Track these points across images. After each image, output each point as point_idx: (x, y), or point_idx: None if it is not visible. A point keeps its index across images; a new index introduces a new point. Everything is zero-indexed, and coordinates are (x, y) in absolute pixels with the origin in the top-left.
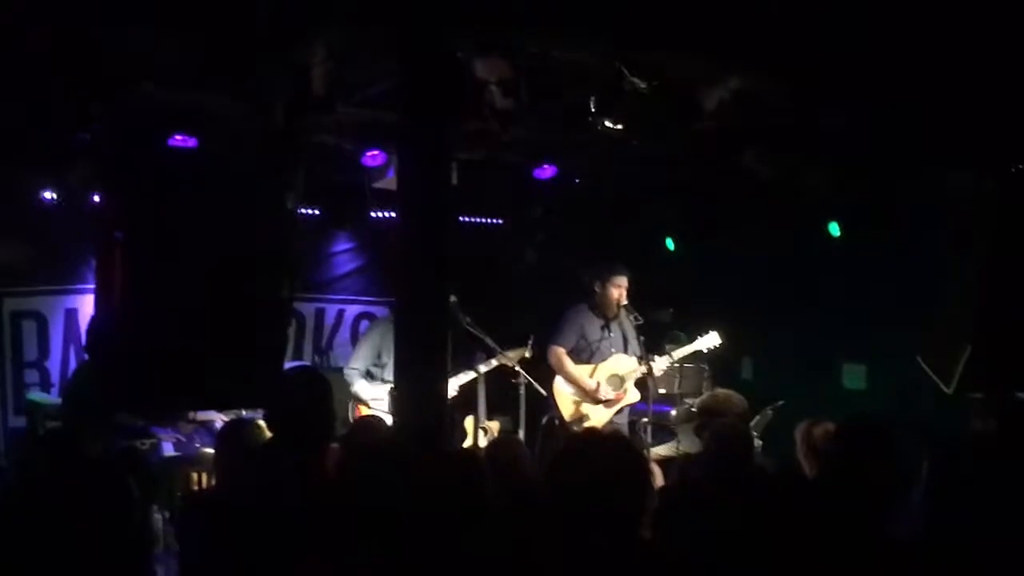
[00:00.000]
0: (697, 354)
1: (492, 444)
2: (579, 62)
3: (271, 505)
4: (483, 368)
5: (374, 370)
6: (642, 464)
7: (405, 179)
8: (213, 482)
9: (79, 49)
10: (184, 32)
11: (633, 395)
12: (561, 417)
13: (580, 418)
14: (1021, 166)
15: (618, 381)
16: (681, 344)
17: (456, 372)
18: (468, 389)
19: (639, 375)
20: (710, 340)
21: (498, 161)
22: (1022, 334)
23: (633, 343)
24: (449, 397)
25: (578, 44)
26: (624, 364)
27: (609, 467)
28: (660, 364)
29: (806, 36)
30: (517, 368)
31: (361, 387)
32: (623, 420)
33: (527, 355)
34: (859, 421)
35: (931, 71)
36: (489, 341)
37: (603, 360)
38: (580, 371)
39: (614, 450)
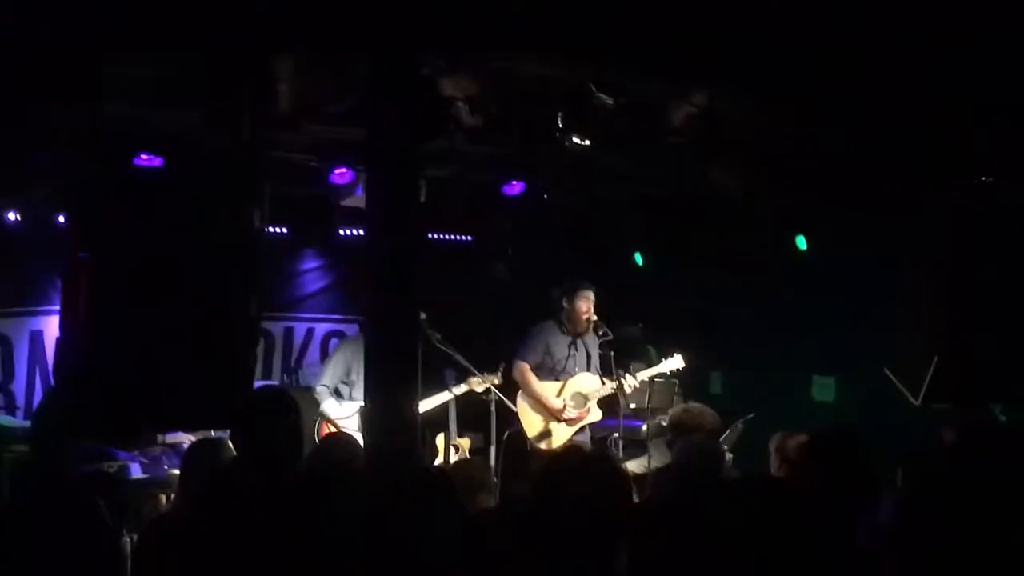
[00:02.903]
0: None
1: (454, 467)
2: (547, 79)
3: (235, 525)
4: (456, 390)
5: (342, 388)
6: (626, 483)
7: (374, 197)
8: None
9: (42, 68)
10: (149, 50)
11: (595, 414)
12: (524, 433)
13: (543, 434)
14: (988, 178)
15: (582, 400)
16: (650, 358)
17: (428, 393)
18: (439, 407)
19: (603, 395)
20: (674, 363)
21: (466, 177)
22: (989, 346)
23: (596, 361)
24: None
25: (545, 63)
26: (588, 383)
27: (594, 486)
28: (627, 385)
29: (775, 53)
30: (489, 387)
31: (329, 405)
32: (584, 438)
33: (496, 382)
34: (829, 431)
35: (901, 85)
36: (460, 358)
37: (569, 378)
38: (546, 388)
39: (599, 469)
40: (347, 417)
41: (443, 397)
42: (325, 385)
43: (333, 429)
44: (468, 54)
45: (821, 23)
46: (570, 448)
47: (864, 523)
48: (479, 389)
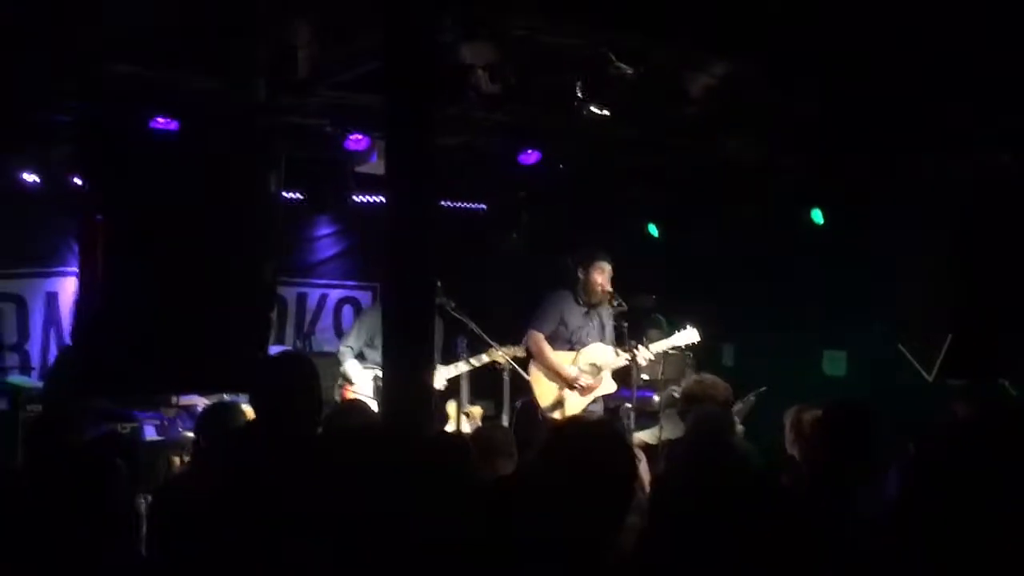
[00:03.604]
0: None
1: (477, 432)
2: (566, 47)
3: (248, 488)
4: (475, 362)
5: (367, 351)
6: (628, 452)
7: (394, 164)
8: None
9: (56, 26)
10: (165, 9)
11: (609, 385)
12: (537, 402)
13: (556, 404)
14: (1003, 154)
15: (595, 370)
16: (661, 328)
17: (448, 362)
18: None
19: (616, 366)
20: (688, 336)
21: (482, 146)
22: (1002, 322)
23: (610, 332)
24: (440, 387)
25: (565, 28)
26: (603, 354)
27: (596, 455)
28: (641, 357)
29: (789, 24)
30: (506, 357)
31: (351, 366)
32: (598, 408)
33: (520, 354)
34: (842, 405)
35: (911, 60)
36: (473, 326)
37: (582, 347)
38: (561, 358)
39: (601, 438)
40: (364, 382)
41: (462, 368)
42: (350, 346)
43: (352, 393)
44: (488, 20)
45: None
46: (572, 418)
47: (872, 498)
48: (501, 361)
